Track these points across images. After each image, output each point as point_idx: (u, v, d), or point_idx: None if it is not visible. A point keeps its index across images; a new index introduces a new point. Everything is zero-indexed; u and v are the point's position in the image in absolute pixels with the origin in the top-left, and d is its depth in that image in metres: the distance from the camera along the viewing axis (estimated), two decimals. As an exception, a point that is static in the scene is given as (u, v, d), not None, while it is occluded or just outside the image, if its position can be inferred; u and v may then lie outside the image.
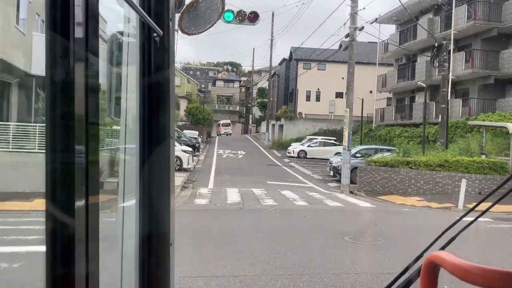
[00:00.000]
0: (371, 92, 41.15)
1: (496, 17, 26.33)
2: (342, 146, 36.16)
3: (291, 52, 46.22)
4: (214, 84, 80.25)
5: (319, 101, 45.33)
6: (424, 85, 25.65)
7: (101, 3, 0.86)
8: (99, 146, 0.90)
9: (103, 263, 0.94)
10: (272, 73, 53.30)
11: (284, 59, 50.96)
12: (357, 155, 23.55)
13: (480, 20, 26.32)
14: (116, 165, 1.41)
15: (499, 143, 21.96)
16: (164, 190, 1.26)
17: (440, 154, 17.14)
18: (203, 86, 79.96)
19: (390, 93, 38.87)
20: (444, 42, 19.36)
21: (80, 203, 0.81)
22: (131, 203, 1.26)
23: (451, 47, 20.44)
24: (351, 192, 17.82)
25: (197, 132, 33.65)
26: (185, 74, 64.77)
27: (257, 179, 20.60)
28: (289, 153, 35.60)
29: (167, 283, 1.27)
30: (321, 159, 31.92)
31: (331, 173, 22.64)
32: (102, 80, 1.07)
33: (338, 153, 27.52)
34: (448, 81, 19.37)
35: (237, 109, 77.19)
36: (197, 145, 29.56)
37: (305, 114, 45.70)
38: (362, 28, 17.14)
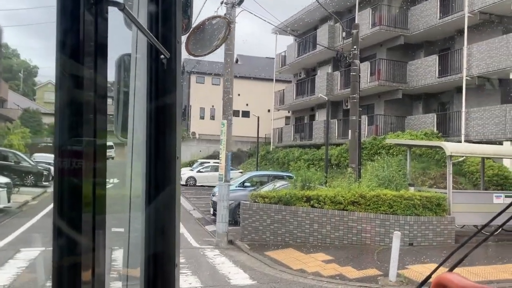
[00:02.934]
0: (269, 111, 36.06)
1: (403, 24, 22.32)
2: (236, 171, 30.35)
3: (183, 64, 39.92)
4: (108, 103, 70.54)
5: (214, 119, 39.23)
6: (326, 97, 20.61)
7: (110, 26, 0.86)
8: (106, 166, 0.88)
9: (109, 283, 0.77)
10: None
11: (177, 74, 44.32)
12: (246, 184, 17.52)
13: (385, 26, 22.11)
14: (122, 185, 1.28)
15: (414, 167, 17.27)
16: (170, 211, 1.20)
17: (353, 186, 11.58)
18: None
19: (289, 111, 33.99)
20: (355, 31, 14.20)
21: (87, 224, 0.80)
22: (138, 223, 1.22)
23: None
24: (231, 243, 11.58)
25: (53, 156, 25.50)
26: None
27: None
28: (175, 180, 28.80)
29: None
30: (212, 186, 25.71)
31: (211, 210, 16.28)
32: (110, 101, 1.08)
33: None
34: (359, 86, 14.22)
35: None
36: (45, 172, 21.62)
37: (198, 134, 39.33)
38: (241, 1, 11.24)
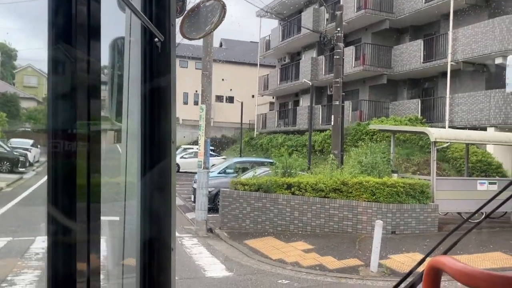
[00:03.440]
0: (253, 96, 35.53)
1: (388, 8, 21.88)
2: (219, 157, 29.89)
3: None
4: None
5: (197, 105, 38.54)
6: (310, 82, 20.17)
7: (102, 8, 0.84)
8: (101, 151, 0.87)
9: (105, 268, 0.90)
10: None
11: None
12: (228, 171, 17.09)
13: (371, 10, 21.66)
14: (117, 169, 1.27)
15: (398, 153, 17.02)
16: (165, 195, 1.19)
17: (335, 173, 11.23)
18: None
19: (273, 97, 33.51)
20: (339, 13, 13.69)
21: (81, 208, 0.80)
22: (133, 208, 1.20)
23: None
24: (210, 231, 11.19)
25: (31, 141, 24.68)
26: (42, 73, 53.39)
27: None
28: (158, 166, 28.17)
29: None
30: (195, 173, 25.18)
31: (192, 197, 15.83)
32: (104, 85, 1.06)
33: (212, 166, 21.05)
34: (343, 70, 13.79)
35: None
36: (21, 158, 20.88)
37: (182, 119, 38.65)
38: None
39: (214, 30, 1.56)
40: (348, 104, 22.80)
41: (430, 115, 19.25)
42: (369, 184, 10.22)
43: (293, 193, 10.86)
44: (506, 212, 11.48)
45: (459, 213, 11.14)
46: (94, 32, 0.79)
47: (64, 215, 0.78)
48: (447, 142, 10.41)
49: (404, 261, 8.20)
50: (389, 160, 11.90)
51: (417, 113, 19.63)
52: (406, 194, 10.14)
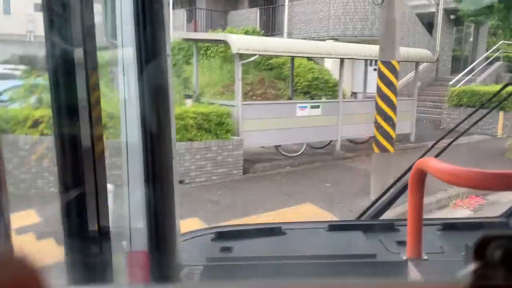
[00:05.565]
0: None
1: None
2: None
3: None
4: None
5: (8, 13, 31.03)
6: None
7: None
8: (98, 67, 0.92)
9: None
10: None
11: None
12: None
13: None
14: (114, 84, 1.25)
15: (217, 71, 14.23)
16: (164, 107, 1.14)
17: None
18: None
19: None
20: None
21: (85, 129, 0.88)
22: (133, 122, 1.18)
23: None
24: None
25: None
26: None
27: None
28: None
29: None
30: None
31: None
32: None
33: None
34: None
35: None
36: None
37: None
38: None
39: None
40: (182, 13, 19.10)
41: (270, 26, 16.60)
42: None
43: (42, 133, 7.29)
44: (331, 141, 9.49)
45: (276, 147, 8.77)
46: None
47: (71, 143, 0.85)
48: (255, 55, 7.67)
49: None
50: (187, 80, 8.79)
51: (256, 24, 16.81)
52: (198, 127, 7.23)
